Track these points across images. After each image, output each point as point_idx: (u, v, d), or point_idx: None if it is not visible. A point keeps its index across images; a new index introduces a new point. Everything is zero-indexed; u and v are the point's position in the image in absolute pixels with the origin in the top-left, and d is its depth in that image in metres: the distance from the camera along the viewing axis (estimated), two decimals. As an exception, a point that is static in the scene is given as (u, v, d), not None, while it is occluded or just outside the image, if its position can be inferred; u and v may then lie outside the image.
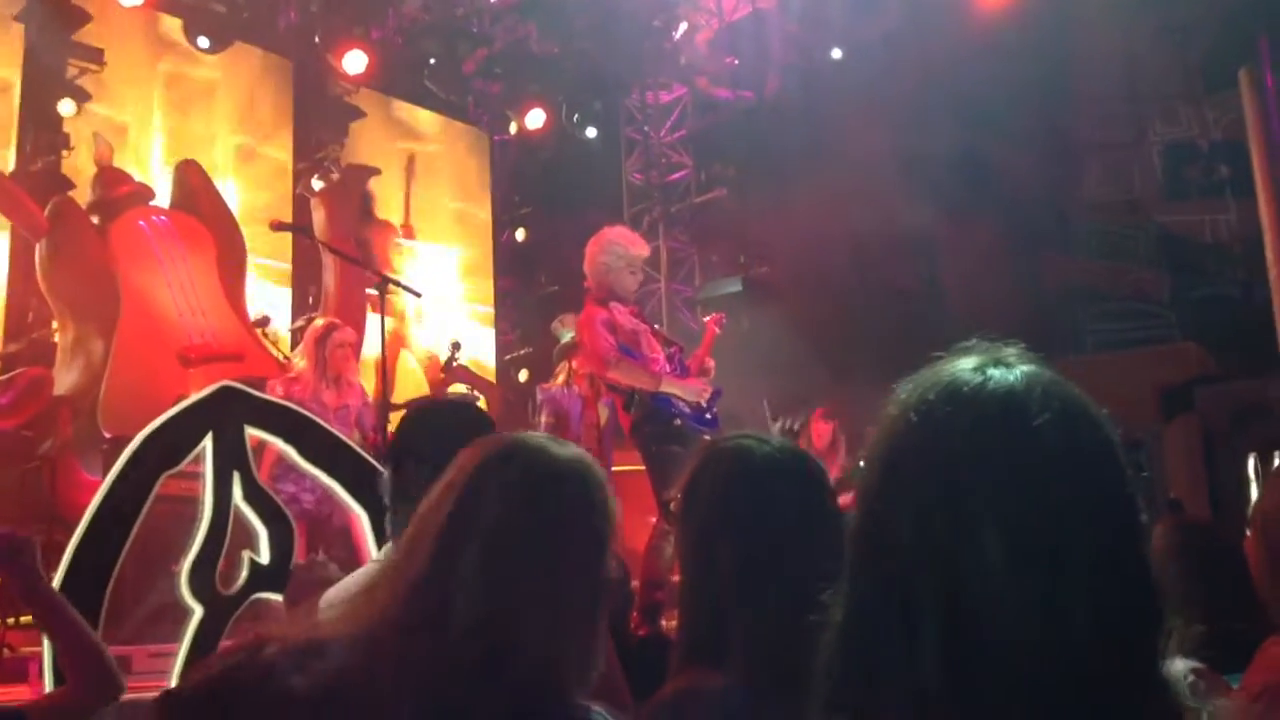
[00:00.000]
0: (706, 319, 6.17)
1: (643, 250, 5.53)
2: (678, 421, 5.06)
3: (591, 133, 10.31)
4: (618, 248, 5.37)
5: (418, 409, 2.39)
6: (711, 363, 5.68)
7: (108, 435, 6.09)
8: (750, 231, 9.65)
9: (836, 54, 9.39)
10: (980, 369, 0.91)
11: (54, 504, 5.86)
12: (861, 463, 0.96)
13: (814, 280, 8.86)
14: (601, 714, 1.37)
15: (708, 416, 5.17)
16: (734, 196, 10.10)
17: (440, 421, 2.29)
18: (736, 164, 10.08)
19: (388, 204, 9.39)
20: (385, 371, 4.91)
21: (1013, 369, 0.91)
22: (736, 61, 9.99)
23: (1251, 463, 6.28)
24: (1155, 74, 9.28)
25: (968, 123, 8.27)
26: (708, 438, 3.72)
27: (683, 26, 9.87)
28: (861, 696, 0.85)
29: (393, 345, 8.24)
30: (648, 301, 10.80)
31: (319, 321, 6.17)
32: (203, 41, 8.04)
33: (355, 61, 8.40)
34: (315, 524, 5.23)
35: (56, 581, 3.03)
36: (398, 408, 6.44)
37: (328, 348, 5.87)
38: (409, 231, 9.55)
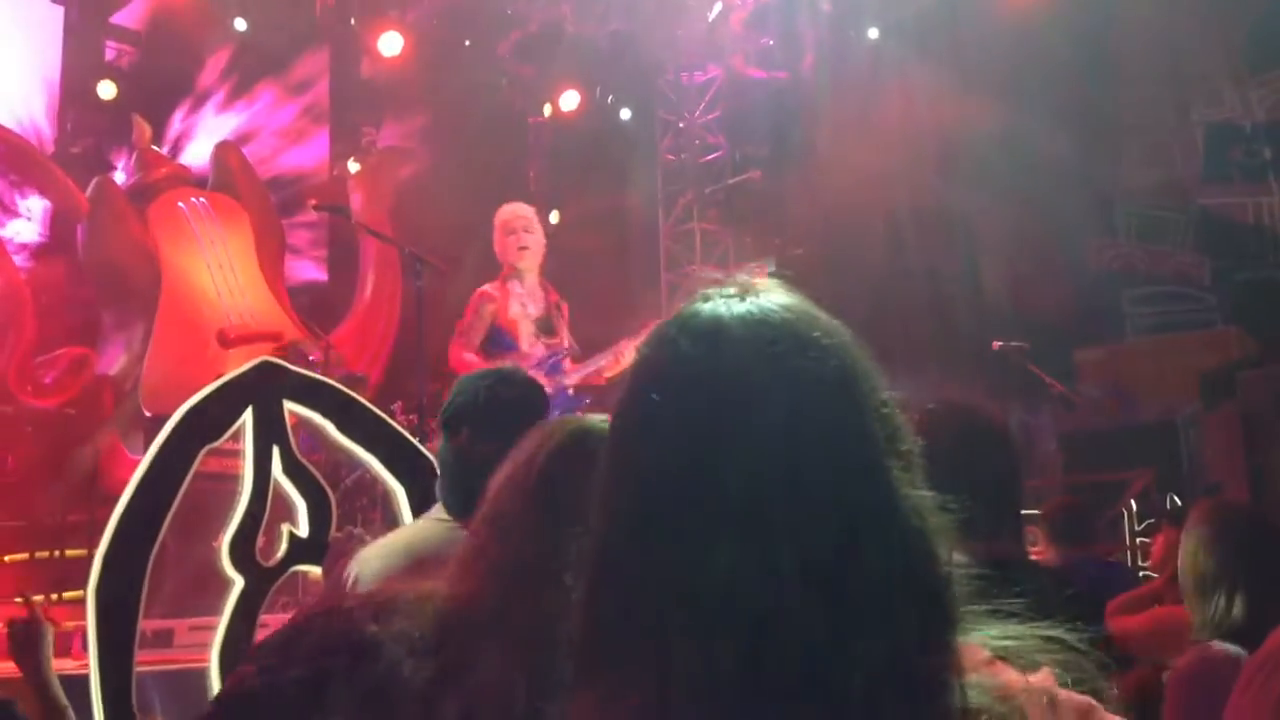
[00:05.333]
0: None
1: (506, 213, 5.49)
2: None
3: (626, 114, 10.29)
4: (499, 217, 5.43)
5: (472, 378, 2.41)
6: (603, 376, 5.35)
7: (148, 414, 6.18)
8: (784, 213, 9.60)
9: (873, 33, 9.30)
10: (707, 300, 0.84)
11: (97, 482, 5.95)
12: None
13: (849, 263, 8.80)
14: None
15: None
16: (768, 178, 10.04)
17: (494, 391, 2.32)
18: (771, 145, 10.01)
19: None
20: (420, 346, 4.95)
21: (742, 299, 0.83)
22: (771, 42, 9.92)
23: (1293, 448, 6.19)
24: (1197, 53, 9.12)
25: (1006, 103, 8.17)
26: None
27: (717, 7, 9.81)
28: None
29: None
30: (680, 284, 10.78)
31: None
32: (239, 24, 8.10)
33: (391, 43, 8.43)
34: None
35: (99, 555, 3.07)
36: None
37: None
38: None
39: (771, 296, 0.84)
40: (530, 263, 5.45)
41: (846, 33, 9.40)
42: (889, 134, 8.34)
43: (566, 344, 5.39)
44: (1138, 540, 6.61)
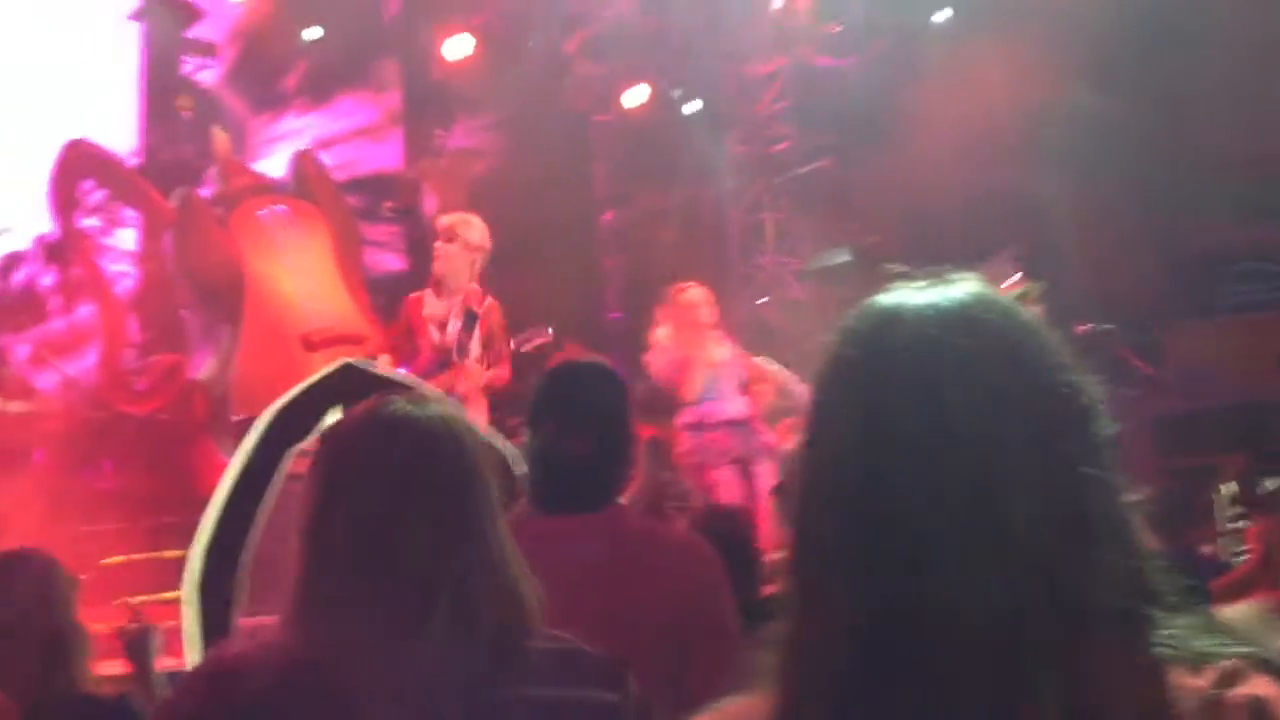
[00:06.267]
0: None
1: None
2: None
3: (693, 108, 10.28)
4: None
5: (552, 371, 2.44)
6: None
7: (237, 417, 6.33)
8: (858, 200, 9.50)
9: (943, 15, 9.15)
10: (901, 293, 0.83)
11: (192, 484, 6.13)
12: None
13: (928, 248, 8.68)
14: (566, 639, 1.43)
15: None
16: (840, 165, 9.95)
17: (575, 383, 2.35)
18: (841, 133, 9.91)
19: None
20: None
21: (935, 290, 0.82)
22: (838, 29, 9.83)
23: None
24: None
25: (1087, 79, 7.97)
26: None
27: (783, -5, 9.77)
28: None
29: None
30: (756, 276, 10.73)
31: None
32: (312, 33, 8.27)
33: (458, 46, 8.52)
34: None
35: (196, 555, 3.17)
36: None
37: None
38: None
39: (959, 286, 0.83)
40: (441, 270, 5.65)
41: (916, 15, 9.27)
42: (964, 116, 8.19)
43: (454, 346, 5.48)
44: (1231, 526, 6.42)
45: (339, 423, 1.50)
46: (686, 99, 10.28)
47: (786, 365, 6.49)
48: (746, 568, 3.11)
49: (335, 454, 1.44)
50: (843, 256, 9.39)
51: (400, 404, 1.44)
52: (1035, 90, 7.94)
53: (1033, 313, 0.83)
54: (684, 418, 6.10)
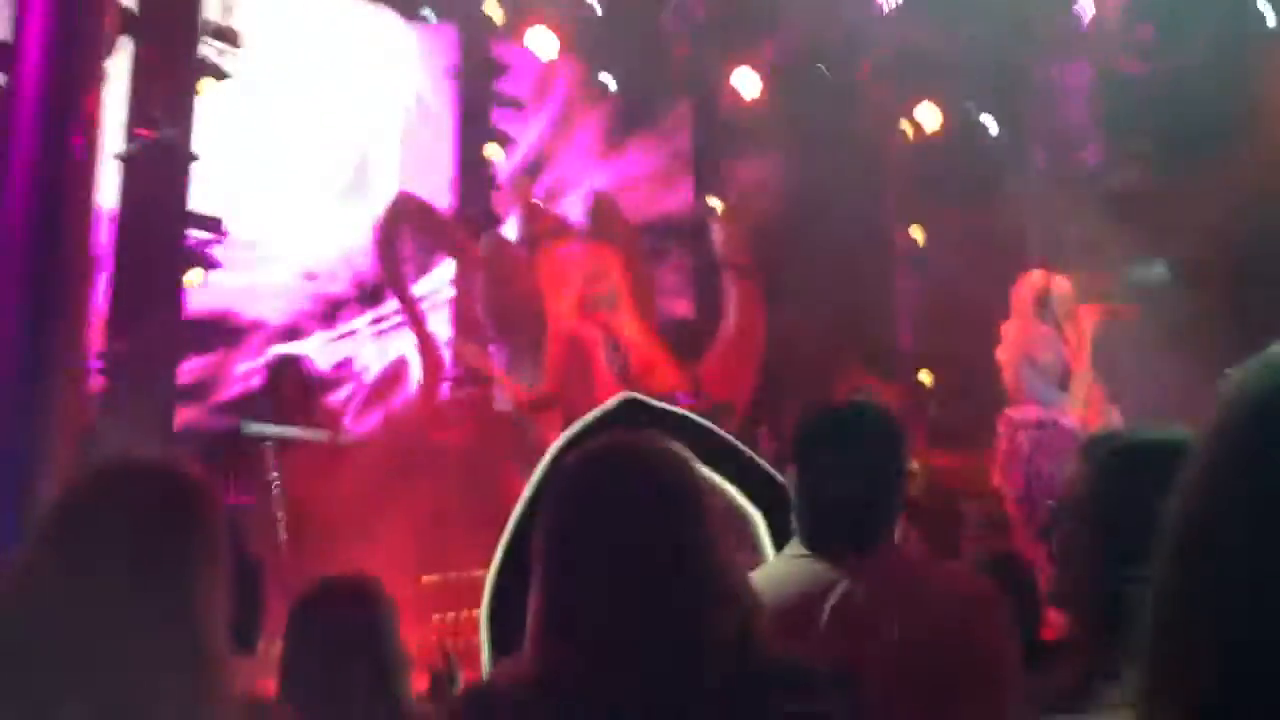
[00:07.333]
0: None
1: None
2: None
3: (990, 122, 9.91)
4: None
5: (817, 410, 2.43)
6: None
7: (538, 444, 6.69)
8: (1175, 215, 8.78)
9: (1271, 17, 8.31)
10: None
11: (499, 508, 6.52)
12: None
13: (1259, 264, 7.87)
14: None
15: None
16: (1154, 176, 9.25)
17: (843, 423, 2.33)
18: (1155, 142, 9.21)
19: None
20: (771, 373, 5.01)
21: None
22: (1151, 32, 9.16)
23: None
24: None
25: None
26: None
27: None
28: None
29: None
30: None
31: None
32: (607, 81, 8.68)
33: (746, 80, 8.65)
34: None
35: (490, 578, 3.37)
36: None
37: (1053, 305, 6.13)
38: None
39: None
40: None
41: (1242, 14, 8.48)
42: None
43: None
44: None
45: (573, 458, 1.60)
46: (984, 112, 9.93)
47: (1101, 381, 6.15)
48: (1031, 609, 2.98)
49: (570, 487, 1.55)
50: (1158, 270, 8.73)
51: (626, 440, 1.53)
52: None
53: None
54: (1025, 414, 5.84)
